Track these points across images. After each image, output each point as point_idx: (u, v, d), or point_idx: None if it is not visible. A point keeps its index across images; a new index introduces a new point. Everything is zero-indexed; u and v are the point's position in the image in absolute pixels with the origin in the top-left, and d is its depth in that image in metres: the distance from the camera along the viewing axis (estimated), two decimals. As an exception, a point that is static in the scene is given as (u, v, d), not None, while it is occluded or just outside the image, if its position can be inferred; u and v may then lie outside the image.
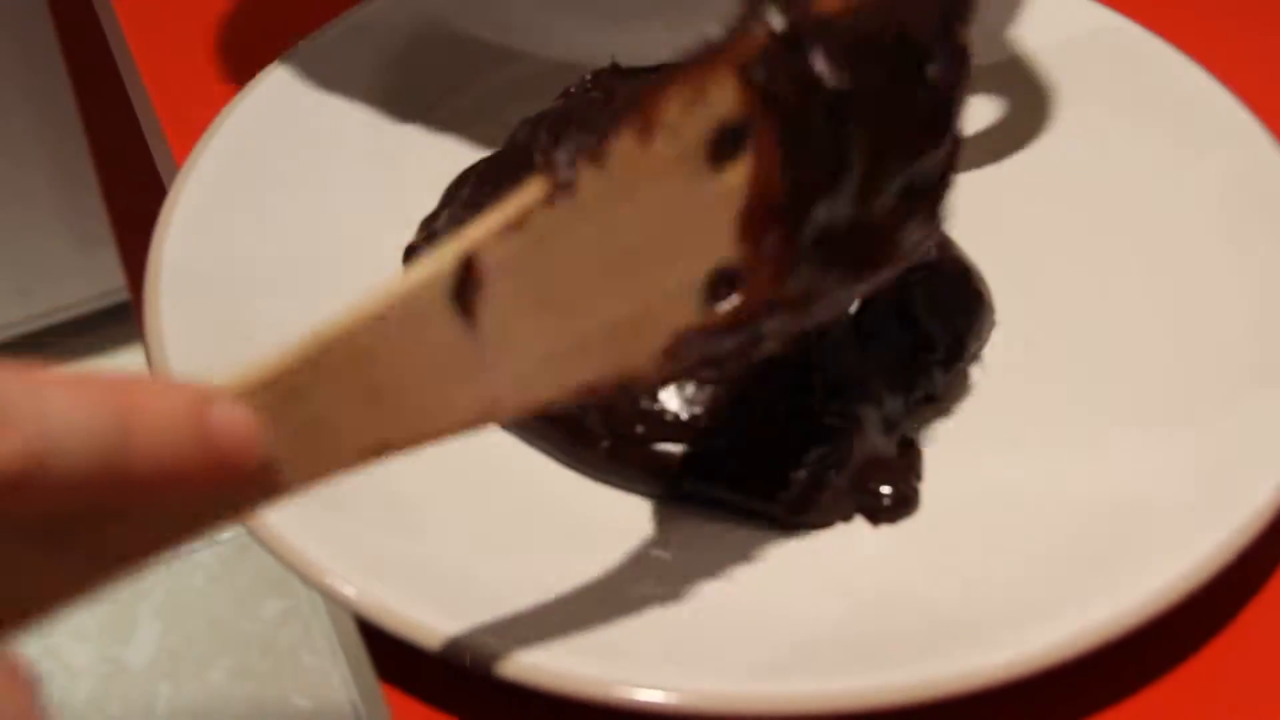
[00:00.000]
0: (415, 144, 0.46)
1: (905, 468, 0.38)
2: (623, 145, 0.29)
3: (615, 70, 0.45)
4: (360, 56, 0.47)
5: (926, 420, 0.39)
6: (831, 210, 0.31)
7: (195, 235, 0.42)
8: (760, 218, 0.30)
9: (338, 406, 0.27)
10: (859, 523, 0.37)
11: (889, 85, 0.31)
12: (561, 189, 0.28)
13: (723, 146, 0.29)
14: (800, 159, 0.30)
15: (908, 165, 0.31)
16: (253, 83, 0.45)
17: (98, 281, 1.04)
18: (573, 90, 0.45)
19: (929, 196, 0.32)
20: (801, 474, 0.37)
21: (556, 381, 0.30)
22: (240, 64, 0.48)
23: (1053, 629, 0.33)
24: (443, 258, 0.28)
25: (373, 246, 0.43)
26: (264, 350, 0.40)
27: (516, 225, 0.28)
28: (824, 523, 0.37)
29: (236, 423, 0.24)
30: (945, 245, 0.42)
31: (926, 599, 0.35)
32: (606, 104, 0.29)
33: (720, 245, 0.30)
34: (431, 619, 0.33)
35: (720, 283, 0.30)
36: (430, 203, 0.44)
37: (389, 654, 0.35)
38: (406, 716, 0.34)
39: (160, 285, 0.40)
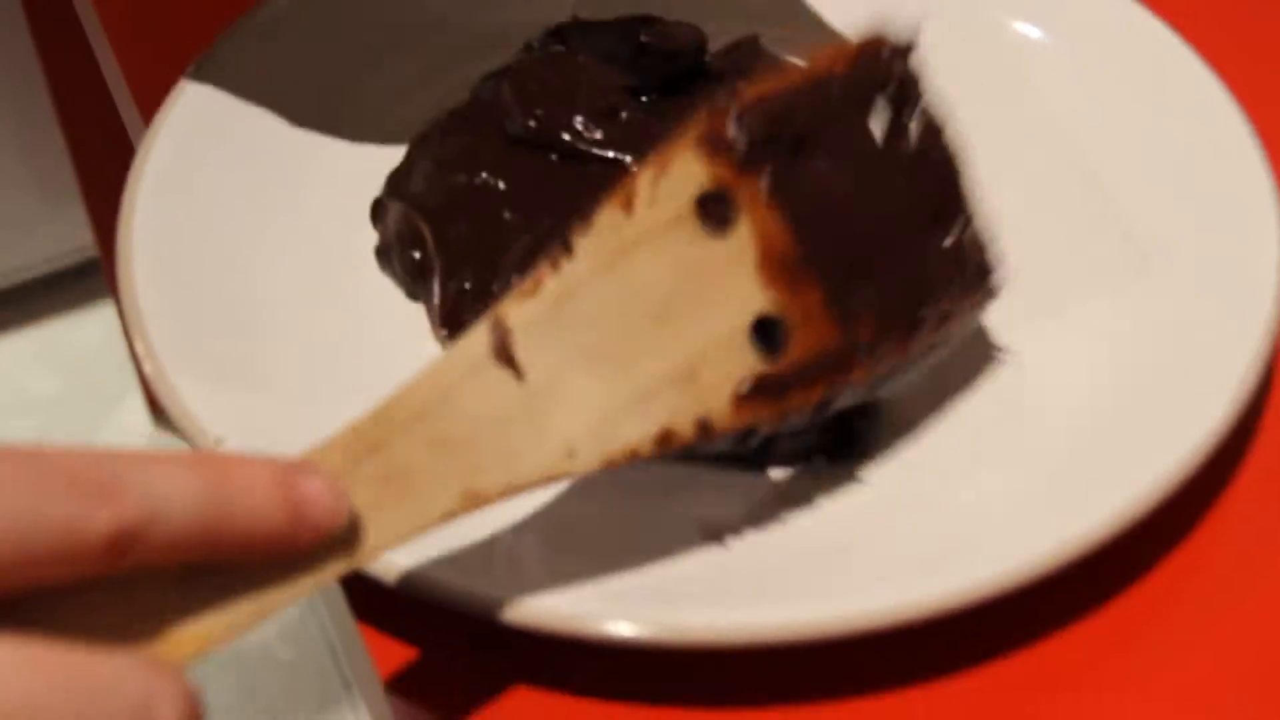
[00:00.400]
0: (381, 99, 0.46)
1: (863, 408, 0.39)
2: (608, 214, 0.32)
3: (576, 24, 0.46)
4: (327, 12, 0.47)
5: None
6: (855, 245, 0.34)
7: (166, 192, 0.42)
8: (781, 266, 0.33)
9: (413, 459, 0.30)
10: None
11: (840, 118, 0.34)
12: (560, 252, 0.32)
13: (714, 212, 0.33)
14: (790, 202, 0.33)
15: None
16: (217, 42, 0.46)
17: (65, 239, 1.04)
18: (534, 44, 0.46)
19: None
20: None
21: (631, 430, 0.32)
22: (205, 20, 0.48)
23: (1022, 549, 0.34)
24: (478, 324, 0.32)
25: (341, 200, 0.44)
26: (239, 305, 0.41)
27: (530, 291, 0.32)
28: (787, 461, 0.38)
29: (321, 489, 0.27)
30: None
31: (891, 529, 0.37)
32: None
33: (753, 295, 0.33)
34: (400, 557, 0.34)
35: (773, 331, 0.33)
36: (396, 157, 0.45)
37: (365, 595, 0.36)
38: (384, 655, 0.35)
39: (133, 243, 0.41)
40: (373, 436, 0.30)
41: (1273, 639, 0.36)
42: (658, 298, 0.33)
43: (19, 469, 0.23)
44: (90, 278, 1.07)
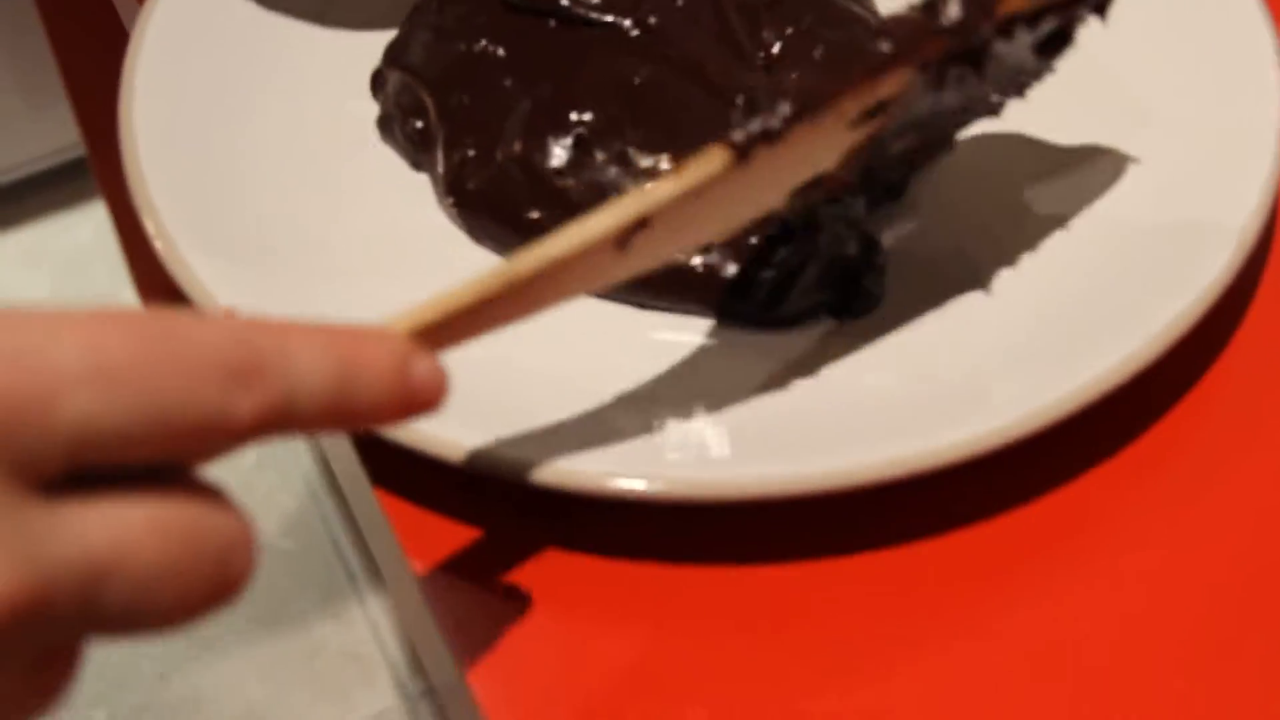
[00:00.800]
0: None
1: (868, 265, 0.39)
2: (799, 130, 0.33)
3: None
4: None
5: (889, 219, 0.41)
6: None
7: (165, 73, 0.42)
8: (860, 151, 0.35)
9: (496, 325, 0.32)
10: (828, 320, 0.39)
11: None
12: (740, 162, 0.32)
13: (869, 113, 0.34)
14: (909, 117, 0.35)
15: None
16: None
17: (48, 140, 1.04)
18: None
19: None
20: (769, 274, 0.38)
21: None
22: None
23: (1010, 408, 0.35)
24: (623, 213, 0.32)
25: (341, 72, 0.44)
26: (244, 181, 0.41)
27: (696, 193, 0.32)
28: (793, 321, 0.39)
29: (432, 373, 0.28)
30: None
31: (888, 388, 0.37)
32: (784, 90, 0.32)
33: (825, 166, 0.35)
34: (425, 423, 0.34)
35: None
36: (394, 28, 0.44)
37: (382, 467, 0.36)
38: (408, 530, 0.36)
39: (135, 125, 0.41)
40: (473, 315, 0.31)
41: (1271, 493, 0.37)
42: (764, 181, 0.34)
43: (165, 351, 0.24)
44: (76, 179, 1.06)
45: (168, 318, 0.24)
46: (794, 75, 0.38)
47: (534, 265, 0.31)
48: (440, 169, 0.41)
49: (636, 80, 0.41)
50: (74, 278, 1.06)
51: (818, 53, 0.42)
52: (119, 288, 1.04)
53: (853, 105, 0.33)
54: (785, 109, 0.32)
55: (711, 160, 0.32)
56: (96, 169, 0.96)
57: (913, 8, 0.34)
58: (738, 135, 0.32)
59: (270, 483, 0.96)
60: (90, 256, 1.07)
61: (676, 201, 0.32)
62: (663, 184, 0.32)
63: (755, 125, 0.32)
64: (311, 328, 0.26)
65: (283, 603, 0.92)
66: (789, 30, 0.42)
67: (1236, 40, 0.42)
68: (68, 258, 1.08)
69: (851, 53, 0.35)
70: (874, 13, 0.44)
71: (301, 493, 0.96)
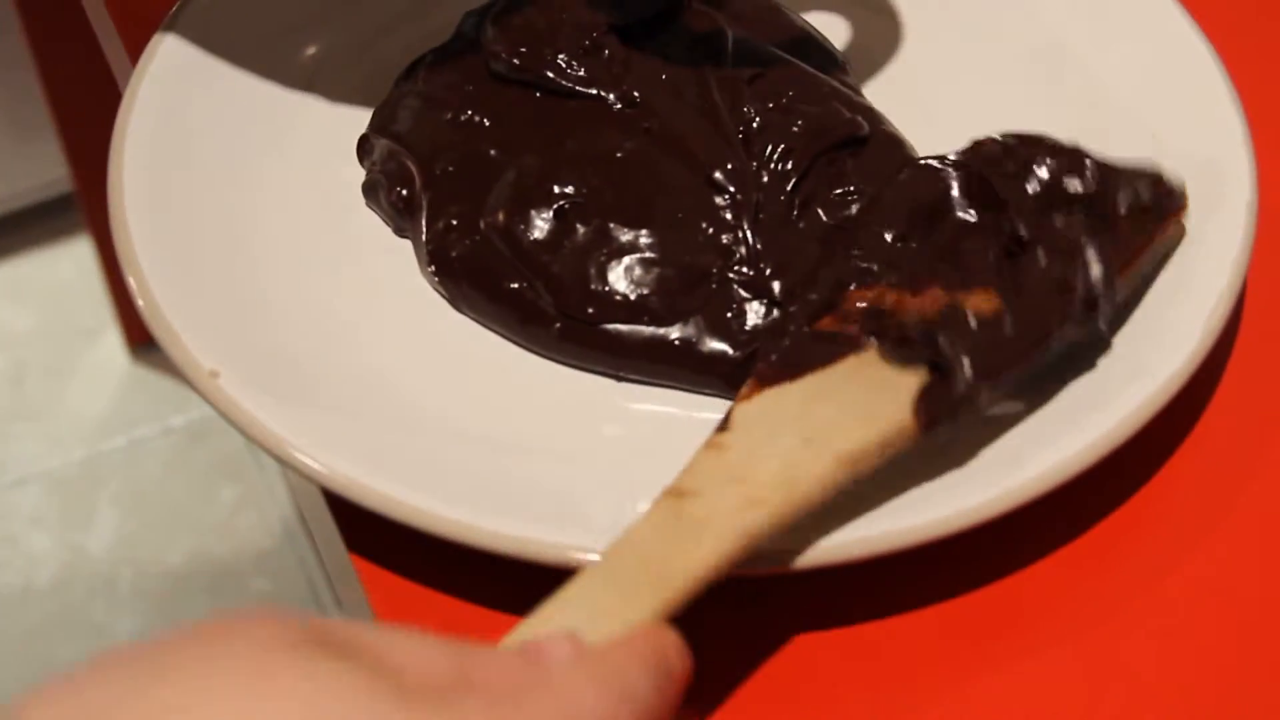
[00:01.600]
0: (366, 35, 0.47)
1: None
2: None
3: None
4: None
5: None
6: None
7: (155, 130, 0.43)
8: None
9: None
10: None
11: None
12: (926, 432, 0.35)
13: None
14: None
15: None
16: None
17: (36, 174, 1.04)
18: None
19: None
20: (741, 349, 0.39)
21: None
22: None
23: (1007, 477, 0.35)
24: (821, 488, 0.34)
25: (328, 137, 0.44)
26: (229, 242, 0.41)
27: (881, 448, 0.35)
28: None
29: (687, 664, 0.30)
30: (875, 119, 0.43)
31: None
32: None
33: None
34: (400, 491, 0.35)
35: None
36: (381, 94, 0.45)
37: (356, 528, 0.37)
38: (377, 587, 0.36)
39: (124, 181, 0.41)
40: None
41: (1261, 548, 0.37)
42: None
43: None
44: (63, 213, 1.07)
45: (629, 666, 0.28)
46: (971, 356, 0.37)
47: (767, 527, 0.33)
48: (424, 237, 0.41)
49: (619, 154, 0.42)
50: (59, 311, 1.07)
51: (797, 127, 0.42)
52: (103, 324, 1.04)
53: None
54: (978, 390, 0.35)
55: (903, 432, 0.34)
56: (84, 206, 0.96)
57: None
58: (928, 410, 0.34)
59: (249, 523, 0.96)
60: (75, 291, 1.07)
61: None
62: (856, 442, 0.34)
63: (953, 400, 0.35)
64: (621, 644, 0.29)
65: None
66: (770, 105, 0.43)
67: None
68: (53, 292, 1.08)
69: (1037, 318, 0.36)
70: (855, 89, 0.45)
71: (279, 533, 0.96)
